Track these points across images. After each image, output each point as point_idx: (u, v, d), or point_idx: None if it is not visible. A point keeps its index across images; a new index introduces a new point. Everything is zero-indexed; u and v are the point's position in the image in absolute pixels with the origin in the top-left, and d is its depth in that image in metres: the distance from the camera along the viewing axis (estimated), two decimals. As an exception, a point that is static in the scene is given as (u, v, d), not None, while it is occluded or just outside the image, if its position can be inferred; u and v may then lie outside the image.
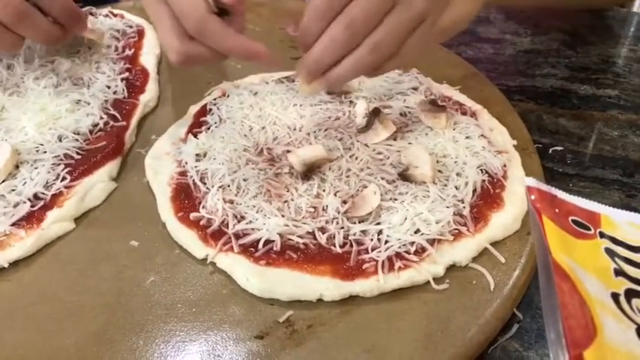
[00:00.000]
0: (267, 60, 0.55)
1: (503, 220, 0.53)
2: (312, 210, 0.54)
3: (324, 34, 0.50)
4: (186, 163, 0.61)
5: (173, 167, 0.61)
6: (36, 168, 0.61)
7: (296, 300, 0.48)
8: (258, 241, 0.51)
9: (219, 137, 0.63)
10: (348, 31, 0.49)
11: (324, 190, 0.56)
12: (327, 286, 0.48)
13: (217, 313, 0.48)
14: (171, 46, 0.55)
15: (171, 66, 0.80)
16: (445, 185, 0.56)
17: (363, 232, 0.52)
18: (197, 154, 0.61)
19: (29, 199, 0.57)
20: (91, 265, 0.53)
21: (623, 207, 0.55)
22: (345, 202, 0.54)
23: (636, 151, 0.65)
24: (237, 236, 0.52)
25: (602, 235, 0.37)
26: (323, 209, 0.54)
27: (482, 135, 0.62)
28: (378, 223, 0.52)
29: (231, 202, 0.55)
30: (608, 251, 0.35)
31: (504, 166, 0.58)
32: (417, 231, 0.51)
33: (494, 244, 0.52)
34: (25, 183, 0.59)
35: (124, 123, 0.68)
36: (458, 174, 0.57)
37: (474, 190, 0.55)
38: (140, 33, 0.84)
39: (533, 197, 0.37)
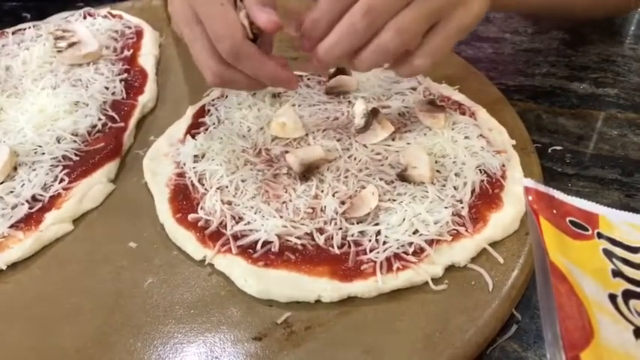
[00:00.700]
0: (294, 83, 0.56)
1: (502, 221, 0.53)
2: (311, 211, 0.54)
3: (340, 21, 0.50)
4: (184, 164, 0.61)
5: (171, 168, 0.61)
6: (34, 170, 0.61)
7: (294, 301, 0.48)
8: (257, 242, 0.51)
9: (217, 138, 0.63)
10: (367, 17, 0.49)
11: (322, 191, 0.56)
12: (325, 287, 0.48)
13: (215, 314, 0.48)
14: (206, 66, 0.55)
15: (170, 66, 0.81)
16: (444, 185, 0.56)
17: (362, 232, 0.52)
18: (195, 155, 0.61)
19: (27, 201, 0.58)
20: (89, 267, 0.53)
21: (623, 207, 0.55)
22: (343, 202, 0.54)
23: (636, 150, 0.65)
24: (236, 237, 0.52)
25: (599, 235, 0.37)
26: (321, 210, 0.54)
27: (481, 135, 0.61)
28: (377, 224, 0.52)
29: (230, 203, 0.55)
30: (606, 252, 0.35)
31: (503, 166, 0.58)
32: (416, 232, 0.51)
33: (492, 244, 0.52)
34: (24, 185, 0.59)
35: (123, 124, 0.68)
36: (456, 174, 0.57)
37: (473, 191, 0.55)
38: (139, 34, 0.84)
39: (530, 198, 0.37)
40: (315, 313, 0.48)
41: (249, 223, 0.53)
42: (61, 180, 0.60)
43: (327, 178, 0.57)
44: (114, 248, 0.55)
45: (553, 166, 0.64)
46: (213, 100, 0.71)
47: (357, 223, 0.53)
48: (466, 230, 0.52)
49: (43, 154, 0.62)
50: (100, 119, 0.67)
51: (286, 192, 0.56)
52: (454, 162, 0.58)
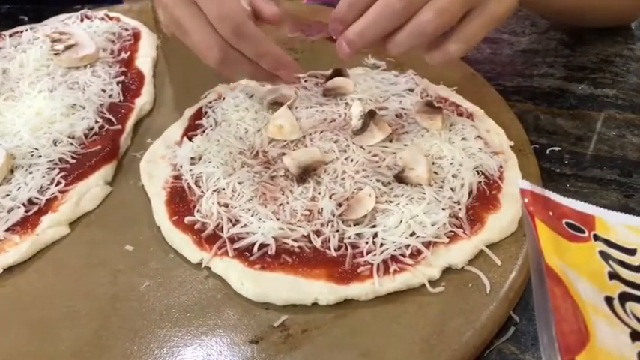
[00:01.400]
0: (295, 71, 0.55)
1: (500, 222, 0.53)
2: (308, 213, 0.54)
3: (376, 2, 0.50)
4: (181, 166, 0.61)
5: (168, 171, 0.61)
6: (31, 173, 0.61)
7: (291, 304, 0.48)
8: (253, 244, 0.51)
9: (214, 140, 0.63)
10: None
11: (319, 193, 0.56)
12: (322, 290, 0.48)
13: (212, 317, 0.48)
14: (208, 46, 0.54)
15: (167, 69, 0.81)
16: (441, 187, 0.56)
17: (359, 235, 0.52)
18: (192, 158, 0.61)
19: (24, 204, 0.57)
20: (85, 270, 0.53)
21: (621, 207, 0.55)
22: (340, 204, 0.54)
23: (634, 150, 0.65)
24: (232, 240, 0.52)
25: (596, 237, 0.36)
26: (318, 212, 0.54)
27: (478, 136, 0.61)
28: (374, 226, 0.52)
29: (226, 205, 0.55)
30: (602, 254, 0.35)
31: (500, 167, 0.58)
32: (413, 233, 0.51)
33: (490, 246, 0.52)
34: (20, 188, 0.59)
35: (120, 127, 0.68)
36: (454, 176, 0.56)
37: (470, 192, 0.55)
38: (136, 36, 0.84)
39: (526, 200, 0.36)
40: (311, 316, 0.48)
41: (245, 225, 0.53)
42: (58, 183, 0.60)
43: (324, 180, 0.57)
44: (110, 251, 0.55)
45: (551, 167, 0.63)
46: (210, 103, 0.70)
47: (354, 225, 0.52)
48: (463, 232, 0.52)
49: (40, 157, 0.62)
50: (96, 122, 0.67)
51: (283, 194, 0.56)
52: (451, 163, 0.58)
